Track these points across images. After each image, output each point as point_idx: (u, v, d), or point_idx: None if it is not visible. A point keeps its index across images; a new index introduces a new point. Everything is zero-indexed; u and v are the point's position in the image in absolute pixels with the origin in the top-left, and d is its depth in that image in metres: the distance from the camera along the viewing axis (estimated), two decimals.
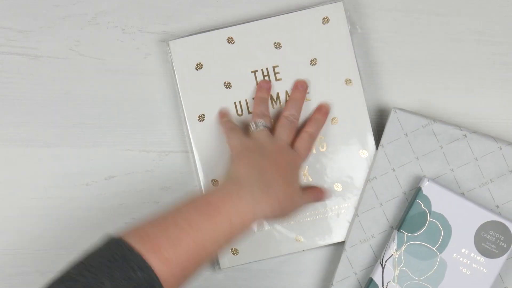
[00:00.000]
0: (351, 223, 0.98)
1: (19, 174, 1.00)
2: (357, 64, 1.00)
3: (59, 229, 1.00)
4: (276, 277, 1.00)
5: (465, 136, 0.98)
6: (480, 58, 1.03)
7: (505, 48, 1.03)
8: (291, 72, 1.00)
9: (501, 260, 0.94)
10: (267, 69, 1.00)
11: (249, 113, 0.99)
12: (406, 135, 0.98)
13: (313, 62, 1.00)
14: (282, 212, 0.91)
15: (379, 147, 0.98)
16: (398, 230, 0.95)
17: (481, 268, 0.94)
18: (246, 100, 0.99)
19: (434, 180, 0.96)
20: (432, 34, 1.02)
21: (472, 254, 0.94)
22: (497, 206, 0.97)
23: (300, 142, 0.95)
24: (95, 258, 0.77)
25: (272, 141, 0.93)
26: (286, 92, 1.00)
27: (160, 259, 0.78)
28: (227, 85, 1.00)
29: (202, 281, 1.00)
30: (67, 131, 1.01)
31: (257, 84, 0.99)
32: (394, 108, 0.98)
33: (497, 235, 0.94)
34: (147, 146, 1.01)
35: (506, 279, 0.96)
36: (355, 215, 0.98)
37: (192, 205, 0.85)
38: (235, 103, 0.99)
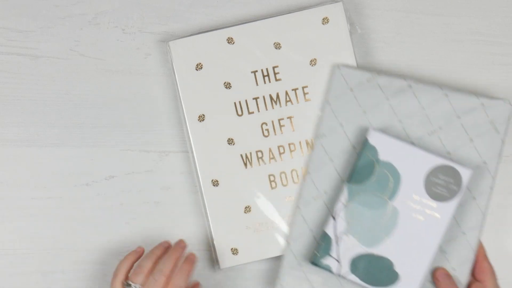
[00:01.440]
0: (303, 181, 0.98)
1: (19, 174, 1.00)
2: (357, 64, 1.00)
3: (59, 229, 1.00)
4: (275, 277, 1.00)
5: (410, 86, 0.97)
6: (480, 58, 1.03)
7: (505, 48, 1.03)
8: (291, 72, 1.00)
9: (453, 203, 0.93)
10: (267, 69, 1.00)
11: (249, 113, 0.99)
12: (352, 90, 0.98)
13: (313, 62, 1.00)
14: None
15: (325, 104, 0.98)
16: (347, 182, 0.95)
17: (434, 213, 0.93)
18: (246, 100, 0.99)
19: (380, 130, 0.96)
20: (432, 34, 1.02)
21: (423, 200, 0.93)
22: (449, 153, 0.97)
23: None
24: None
25: None
26: (286, 92, 1.00)
27: None
28: (227, 85, 1.00)
29: (202, 281, 1.00)
30: (67, 131, 1.01)
31: (256, 84, 0.99)
32: (337, 64, 0.98)
33: (447, 179, 0.93)
34: (147, 146, 1.01)
35: (463, 223, 0.96)
36: (307, 173, 0.98)
37: None
38: (235, 103, 0.99)
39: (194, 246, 1.00)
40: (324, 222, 0.97)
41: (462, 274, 0.96)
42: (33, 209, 1.00)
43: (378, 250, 0.94)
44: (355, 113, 0.98)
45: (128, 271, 0.94)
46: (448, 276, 0.94)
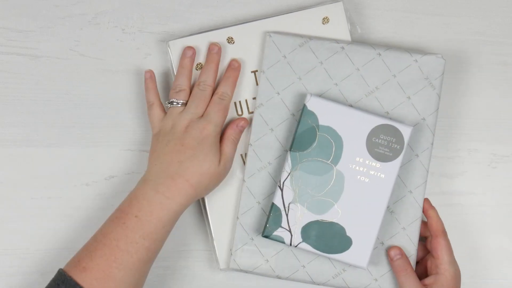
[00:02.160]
0: (247, 154, 0.98)
1: (19, 174, 1.00)
2: None
3: (59, 229, 1.00)
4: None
5: (343, 48, 0.97)
6: (480, 58, 1.03)
7: (505, 48, 1.03)
8: None
9: (396, 163, 0.93)
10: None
11: (249, 113, 0.99)
12: (285, 57, 0.98)
13: None
14: (203, 191, 0.92)
15: (260, 73, 0.98)
16: (290, 150, 0.95)
17: (379, 173, 0.94)
18: (246, 100, 0.99)
19: (318, 95, 0.96)
20: (432, 34, 1.02)
21: (367, 161, 0.94)
22: (387, 112, 0.97)
23: (211, 107, 0.94)
24: None
25: (181, 119, 0.93)
26: None
27: (79, 270, 0.87)
28: None
29: (202, 281, 1.00)
30: (67, 131, 1.01)
31: (256, 84, 0.99)
32: (268, 32, 0.98)
33: (389, 138, 0.94)
34: (147, 146, 1.01)
35: (408, 182, 0.97)
36: (249, 144, 0.97)
37: (109, 217, 0.90)
38: (235, 103, 0.99)
39: (194, 246, 1.00)
40: (271, 194, 0.97)
41: (412, 233, 0.96)
42: (33, 209, 1.00)
43: (328, 216, 0.94)
44: (291, 79, 0.98)
45: (158, 97, 0.96)
46: (402, 255, 0.95)
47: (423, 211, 0.96)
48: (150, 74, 0.97)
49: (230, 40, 0.99)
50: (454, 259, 0.94)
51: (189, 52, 0.97)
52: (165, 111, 0.96)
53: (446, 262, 0.93)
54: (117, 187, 1.00)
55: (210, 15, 1.01)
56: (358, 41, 1.01)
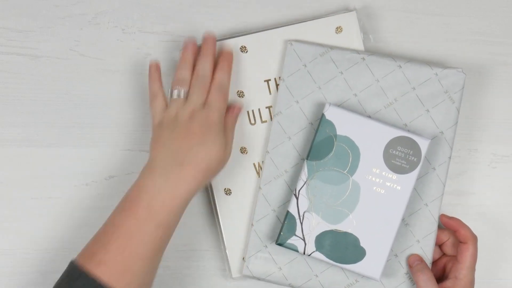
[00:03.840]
0: (264, 162, 0.98)
1: (19, 174, 1.00)
2: None
3: (59, 229, 1.00)
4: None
5: (364, 59, 0.97)
6: (480, 58, 1.03)
7: (505, 48, 1.03)
8: None
9: (413, 175, 0.93)
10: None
11: (262, 122, 0.99)
12: (305, 66, 0.98)
13: None
14: (213, 174, 0.93)
15: (280, 81, 0.98)
16: (307, 159, 0.94)
17: (395, 185, 0.94)
18: (259, 109, 0.99)
19: (336, 105, 0.96)
20: (432, 34, 1.02)
21: (383, 173, 0.94)
22: (405, 125, 0.97)
23: (212, 95, 0.94)
24: (55, 285, 0.87)
25: (184, 109, 0.93)
26: None
27: (95, 264, 0.86)
28: (240, 94, 0.99)
29: None
30: (67, 131, 1.01)
31: (269, 93, 0.99)
32: (289, 40, 0.98)
33: (406, 150, 0.94)
34: (147, 146, 1.01)
35: (424, 195, 0.96)
36: (266, 152, 0.98)
37: (117, 207, 0.90)
38: (248, 112, 0.99)
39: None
40: (286, 202, 0.97)
41: (426, 246, 0.96)
42: (33, 209, 1.00)
43: (343, 226, 0.94)
44: (310, 88, 0.98)
45: (162, 88, 0.96)
46: (422, 261, 0.95)
47: (445, 223, 0.96)
48: (155, 64, 0.97)
49: (243, 49, 0.99)
50: (475, 267, 0.94)
51: (190, 45, 0.97)
52: (167, 102, 0.96)
53: (468, 268, 0.93)
54: (117, 187, 1.00)
55: (211, 15, 1.01)
56: (371, 50, 1.00)
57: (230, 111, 0.97)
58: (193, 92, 0.94)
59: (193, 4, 1.02)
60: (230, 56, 0.97)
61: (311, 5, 1.01)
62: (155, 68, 0.97)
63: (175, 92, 0.94)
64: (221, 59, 0.97)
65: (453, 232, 0.96)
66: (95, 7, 1.01)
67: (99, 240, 0.88)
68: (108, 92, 1.01)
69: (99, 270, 0.86)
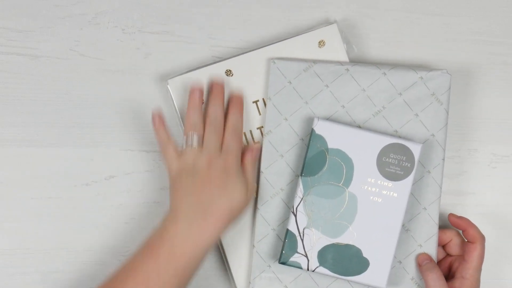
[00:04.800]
0: (258, 181, 0.97)
1: (19, 174, 1.00)
2: None
3: (59, 229, 1.00)
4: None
5: (348, 70, 0.97)
6: (480, 58, 1.03)
7: (505, 48, 1.03)
8: None
9: (408, 181, 0.93)
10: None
11: (255, 143, 0.98)
12: (290, 82, 0.98)
13: None
14: (236, 218, 0.92)
15: (267, 100, 0.98)
16: (301, 176, 0.94)
17: (391, 193, 0.94)
18: (250, 131, 0.99)
19: (325, 118, 0.96)
20: (432, 34, 1.03)
21: (379, 181, 0.94)
22: (396, 131, 0.97)
23: (227, 139, 0.94)
24: None
25: (202, 157, 0.93)
26: None
27: None
28: None
29: None
30: (67, 131, 1.01)
31: (259, 114, 0.99)
32: (272, 58, 0.98)
33: (399, 157, 0.94)
34: (147, 146, 1.01)
35: (422, 199, 0.97)
36: (260, 172, 0.98)
37: (138, 250, 0.90)
38: None
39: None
40: (285, 219, 0.97)
41: (429, 249, 0.96)
42: (33, 209, 1.00)
43: (344, 238, 0.94)
44: (298, 104, 0.97)
45: (170, 136, 0.95)
46: (431, 260, 0.95)
47: (454, 223, 0.96)
48: (158, 114, 0.96)
49: (228, 73, 0.99)
50: (481, 268, 0.94)
51: (197, 90, 0.96)
52: (178, 150, 0.95)
53: (475, 268, 0.93)
54: (117, 187, 1.00)
55: (211, 15, 1.01)
56: (356, 60, 1.01)
57: (249, 153, 0.96)
58: (209, 138, 0.94)
59: (193, 4, 1.02)
60: (240, 98, 0.97)
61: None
62: (158, 119, 0.96)
63: (190, 139, 0.94)
64: (232, 102, 0.97)
65: (460, 232, 0.96)
66: (95, 7, 1.01)
67: (117, 277, 0.89)
68: (108, 92, 1.01)
69: None
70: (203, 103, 0.97)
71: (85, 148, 1.01)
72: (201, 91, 0.96)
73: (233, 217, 0.92)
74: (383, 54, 1.02)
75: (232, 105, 0.97)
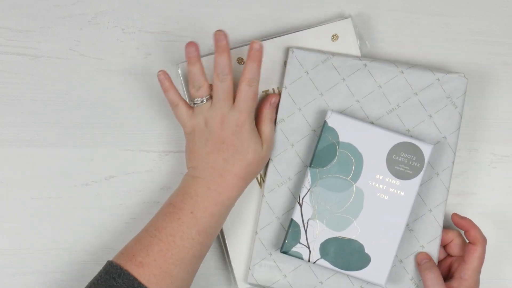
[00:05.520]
0: (267, 169, 0.98)
1: (19, 174, 1.00)
2: None
3: (59, 229, 1.00)
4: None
5: (366, 65, 0.97)
6: (480, 58, 1.03)
7: (505, 48, 1.03)
8: None
9: (416, 180, 0.93)
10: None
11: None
12: (307, 73, 0.97)
13: None
14: (255, 173, 0.93)
15: (283, 89, 0.98)
16: (310, 167, 0.94)
17: (398, 191, 0.93)
18: None
19: (339, 111, 0.96)
20: (432, 34, 1.02)
21: (387, 179, 0.94)
22: (408, 130, 0.97)
23: (240, 96, 0.92)
24: (93, 282, 0.88)
25: (213, 115, 0.91)
26: None
27: (136, 265, 0.87)
28: None
29: None
30: (67, 131, 1.01)
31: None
32: (290, 47, 0.98)
33: (409, 156, 0.94)
34: (147, 146, 1.01)
35: (428, 201, 0.97)
36: (269, 159, 0.98)
37: (160, 212, 0.91)
38: None
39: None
40: (290, 209, 0.97)
41: (431, 251, 0.96)
42: (33, 209, 1.00)
43: (347, 233, 0.94)
44: (313, 96, 0.97)
45: (180, 94, 0.94)
46: (430, 259, 0.95)
47: (456, 223, 0.96)
48: (163, 75, 0.94)
49: (240, 61, 0.99)
50: (481, 269, 0.94)
51: (192, 50, 0.92)
52: (191, 107, 0.94)
53: (474, 269, 0.93)
54: (117, 187, 1.00)
55: (211, 15, 1.01)
56: (368, 56, 1.00)
57: (266, 105, 0.95)
58: (217, 95, 0.92)
59: (193, 4, 1.02)
60: (260, 49, 0.92)
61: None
62: (164, 77, 0.94)
63: (198, 99, 0.92)
64: (250, 54, 0.92)
65: (462, 232, 0.96)
66: (95, 7, 1.01)
67: (140, 242, 0.89)
68: (108, 92, 1.01)
69: (139, 271, 0.87)
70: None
71: (85, 148, 1.01)
72: (196, 46, 0.92)
73: (252, 173, 0.92)
74: (383, 55, 1.02)
75: (251, 59, 0.92)
